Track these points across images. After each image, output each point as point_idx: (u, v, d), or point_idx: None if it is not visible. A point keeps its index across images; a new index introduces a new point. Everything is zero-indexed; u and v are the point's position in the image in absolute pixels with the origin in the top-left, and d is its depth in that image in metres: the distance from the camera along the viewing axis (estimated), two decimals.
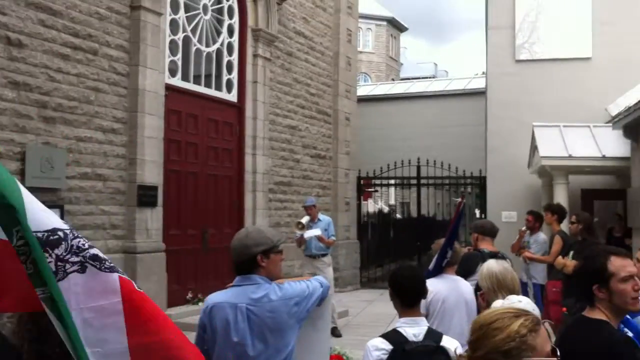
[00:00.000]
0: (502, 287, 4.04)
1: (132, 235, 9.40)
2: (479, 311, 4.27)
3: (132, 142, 9.47)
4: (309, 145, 14.42)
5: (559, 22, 14.80)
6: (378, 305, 12.42)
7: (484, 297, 4.14)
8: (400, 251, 19.88)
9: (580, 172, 12.44)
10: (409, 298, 3.54)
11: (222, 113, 11.86)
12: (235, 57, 12.24)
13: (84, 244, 2.11)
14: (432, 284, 4.66)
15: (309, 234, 9.82)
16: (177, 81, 10.80)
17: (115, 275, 2.14)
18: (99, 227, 9.00)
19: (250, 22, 12.46)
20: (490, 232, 6.18)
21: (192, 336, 3.43)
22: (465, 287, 4.91)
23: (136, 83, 9.54)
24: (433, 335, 3.45)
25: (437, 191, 18.05)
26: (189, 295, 10.63)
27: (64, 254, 2.05)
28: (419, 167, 16.64)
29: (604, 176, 13.42)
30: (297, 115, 13.99)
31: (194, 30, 11.25)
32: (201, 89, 11.42)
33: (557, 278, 7.90)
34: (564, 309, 7.01)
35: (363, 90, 24.31)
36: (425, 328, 3.47)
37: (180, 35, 10.91)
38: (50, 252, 2.01)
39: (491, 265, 4.19)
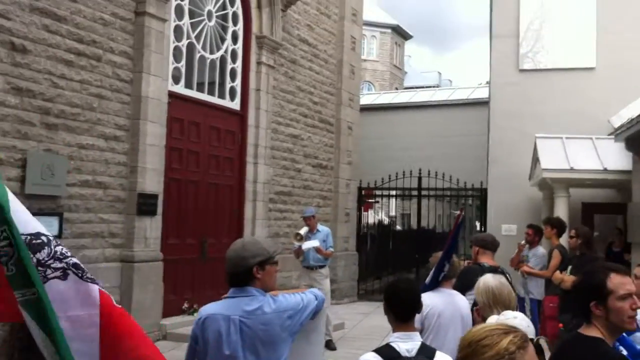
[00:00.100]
0: (497, 303, 4.03)
1: (130, 244, 9.39)
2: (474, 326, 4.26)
3: (134, 150, 9.48)
4: (311, 155, 14.41)
5: (563, 31, 14.79)
6: (374, 318, 12.33)
7: (479, 312, 4.13)
8: (399, 263, 19.76)
9: (582, 185, 12.40)
10: (403, 313, 3.53)
11: (225, 121, 11.87)
12: (239, 64, 12.26)
13: (66, 252, 2.11)
14: (428, 297, 4.65)
15: (307, 245, 9.77)
16: (180, 88, 10.81)
17: (96, 287, 2.13)
18: (98, 235, 9.00)
19: (254, 29, 12.48)
20: (492, 246, 6.15)
21: (185, 347, 3.44)
22: (461, 302, 4.90)
23: (139, 90, 9.56)
24: (426, 351, 3.44)
25: (437, 203, 17.99)
26: (185, 305, 10.59)
27: (46, 258, 2.03)
28: (420, 178, 16.58)
29: (605, 190, 13.37)
30: (300, 124, 13.99)
31: (198, 37, 11.28)
32: (204, 96, 11.43)
33: (554, 293, 7.87)
34: (561, 324, 7.00)
35: (366, 99, 24.29)
36: (419, 343, 3.46)
37: (184, 42, 10.93)
38: (32, 255, 2.00)
39: (488, 280, 4.19)
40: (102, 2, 9.08)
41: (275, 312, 3.22)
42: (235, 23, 12.22)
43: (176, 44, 10.71)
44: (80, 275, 2.10)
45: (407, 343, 3.42)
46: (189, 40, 11.05)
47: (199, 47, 11.29)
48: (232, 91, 12.15)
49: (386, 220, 23.24)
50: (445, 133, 21.24)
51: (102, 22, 9.07)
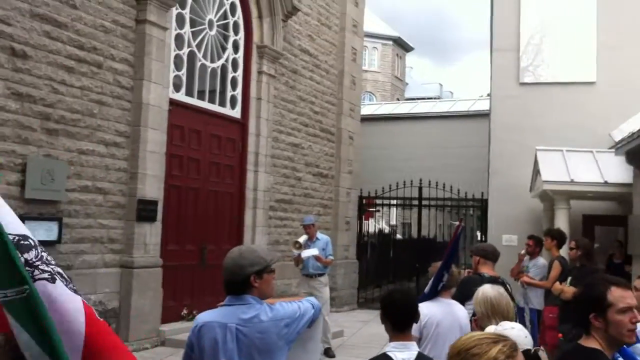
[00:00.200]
0: (496, 313, 4.01)
1: (129, 250, 9.38)
2: None
3: (134, 156, 9.48)
4: (311, 164, 14.41)
5: (564, 45, 14.81)
6: (374, 326, 12.23)
7: (477, 322, 4.11)
8: (399, 272, 19.76)
9: (582, 198, 12.39)
10: (399, 322, 3.51)
11: (225, 129, 11.87)
12: (239, 73, 12.28)
13: (51, 259, 2.08)
14: (426, 307, 4.64)
15: (306, 253, 9.75)
16: (181, 96, 10.82)
17: (80, 299, 2.10)
18: (97, 240, 8.98)
19: (255, 38, 12.52)
20: (492, 256, 6.13)
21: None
22: (460, 312, 4.88)
23: (140, 97, 9.56)
24: None
25: (438, 213, 17.98)
26: (184, 311, 10.57)
27: (34, 259, 2.01)
28: (420, 188, 16.58)
29: (605, 202, 13.37)
30: (301, 133, 14.00)
31: (199, 46, 11.30)
32: (205, 104, 11.44)
33: (554, 304, 7.85)
34: (560, 335, 6.98)
35: (367, 109, 24.35)
36: (416, 353, 3.44)
37: (185, 50, 10.95)
38: (20, 255, 1.97)
39: (486, 290, 4.16)
40: (103, 9, 9.09)
41: (272, 320, 3.19)
42: (236, 32, 12.25)
43: (177, 52, 10.73)
44: (65, 283, 2.07)
45: (403, 352, 3.40)
46: (189, 49, 11.07)
47: (199, 55, 11.31)
48: (233, 99, 12.17)
49: (387, 229, 23.22)
50: (446, 144, 21.27)
51: (103, 30, 9.09)
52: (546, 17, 15.02)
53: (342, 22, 15.83)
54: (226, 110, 11.97)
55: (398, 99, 47.88)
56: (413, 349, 3.46)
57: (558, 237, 8.74)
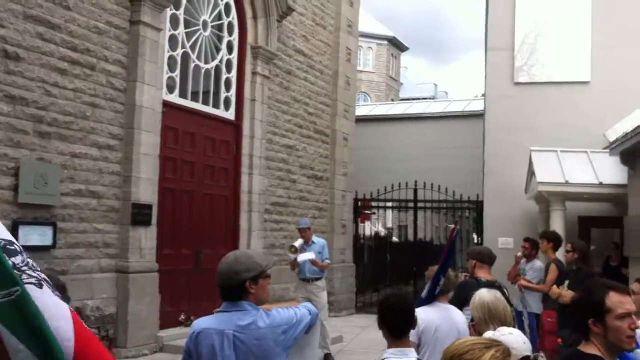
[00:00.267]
0: (493, 318, 3.97)
1: (125, 255, 9.30)
2: None
3: (128, 159, 9.41)
4: (306, 166, 14.35)
5: (558, 45, 14.82)
6: (372, 331, 12.10)
7: (475, 327, 4.07)
8: (396, 275, 19.67)
9: (578, 199, 12.39)
10: (397, 328, 3.47)
11: (219, 131, 11.81)
12: (234, 74, 12.23)
13: (37, 266, 2.05)
14: (424, 312, 4.61)
15: (302, 257, 9.64)
16: (174, 98, 10.76)
17: (66, 306, 2.06)
18: (92, 245, 8.91)
19: (249, 39, 12.47)
20: (488, 259, 6.07)
21: None
22: (458, 317, 4.84)
23: (133, 99, 9.50)
24: None
25: (434, 214, 17.96)
26: (182, 317, 10.49)
27: (21, 264, 1.98)
28: (415, 190, 16.52)
29: (601, 203, 13.36)
30: (295, 135, 13.94)
31: (193, 47, 11.25)
32: (199, 106, 11.38)
33: (552, 308, 7.81)
34: (560, 340, 6.94)
35: (362, 110, 24.31)
36: (414, 359, 3.40)
37: (179, 51, 10.90)
38: (8, 259, 1.94)
39: (483, 294, 4.13)
40: (96, 10, 9.04)
41: (269, 326, 3.17)
42: (230, 33, 12.20)
43: (171, 53, 10.68)
44: (52, 290, 2.04)
45: (401, 359, 3.37)
46: (183, 50, 11.02)
47: (193, 56, 11.26)
48: (227, 101, 12.11)
49: (383, 232, 23.18)
50: (441, 145, 21.24)
51: (96, 31, 9.03)
52: (541, 17, 15.03)
53: (336, 22, 15.80)
54: (220, 112, 11.92)
55: (393, 99, 47.90)
56: (411, 355, 3.43)
57: (554, 240, 8.71)
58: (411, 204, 16.96)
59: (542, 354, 7.76)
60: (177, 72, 10.85)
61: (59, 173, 8.37)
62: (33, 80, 8.13)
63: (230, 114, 12.12)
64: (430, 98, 46.37)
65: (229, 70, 12.15)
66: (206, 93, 11.68)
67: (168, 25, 10.52)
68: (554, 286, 7.73)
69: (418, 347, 4.45)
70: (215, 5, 11.83)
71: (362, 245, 18.24)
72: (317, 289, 9.86)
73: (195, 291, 10.79)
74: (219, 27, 11.97)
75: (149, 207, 9.66)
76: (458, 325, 4.75)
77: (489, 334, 3.62)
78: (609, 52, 14.25)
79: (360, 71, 41.47)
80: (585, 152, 12.63)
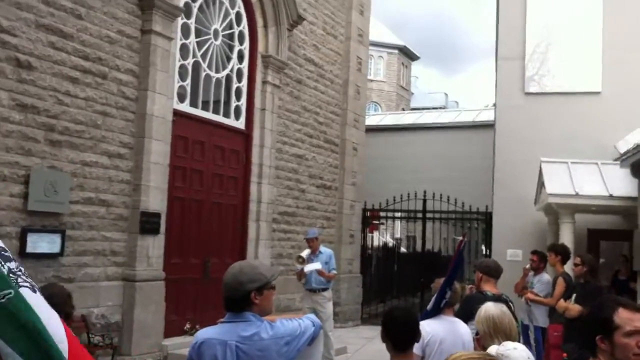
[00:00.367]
0: (498, 331, 3.96)
1: (132, 263, 9.32)
2: None
3: (138, 168, 9.45)
4: (315, 175, 14.36)
5: (570, 55, 14.78)
6: (377, 342, 11.95)
7: (479, 341, 4.07)
8: (403, 286, 19.56)
9: (587, 211, 12.32)
10: (400, 341, 3.48)
11: (229, 140, 11.85)
12: (244, 83, 12.27)
13: (28, 275, 2.07)
14: (429, 325, 4.61)
15: (309, 267, 9.66)
16: (185, 107, 10.80)
17: (56, 314, 2.08)
18: (100, 253, 8.94)
19: (260, 48, 12.51)
20: (495, 272, 6.05)
21: None
22: (463, 329, 4.83)
23: (144, 108, 9.54)
24: None
25: (443, 225, 17.90)
26: (187, 326, 10.49)
27: (15, 269, 2.00)
28: (424, 201, 16.48)
29: (610, 216, 13.28)
30: (305, 144, 13.96)
31: (204, 56, 11.30)
32: (209, 115, 11.42)
33: (558, 321, 7.76)
34: (565, 354, 6.91)
35: (372, 119, 24.32)
36: None
37: (190, 61, 10.95)
38: (3, 263, 1.96)
39: (489, 308, 4.12)
40: (108, 19, 9.10)
41: (273, 338, 3.18)
42: (241, 42, 12.25)
43: (182, 62, 10.73)
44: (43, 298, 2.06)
45: None
46: (194, 59, 11.07)
47: (204, 65, 11.31)
48: (237, 110, 12.15)
49: (391, 242, 23.11)
50: (451, 155, 21.20)
51: (108, 40, 9.09)
52: (552, 27, 15.00)
53: (347, 31, 15.81)
54: (230, 121, 11.95)
55: (403, 109, 47.90)
56: None
57: (562, 253, 8.67)
58: (420, 215, 16.92)
59: None
60: (188, 81, 10.89)
61: (69, 181, 8.41)
62: (45, 89, 8.18)
63: (240, 123, 12.15)
64: (441, 108, 46.38)
65: (239, 79, 12.19)
66: (217, 102, 11.71)
67: (179, 34, 10.57)
68: (561, 300, 7.68)
69: None
70: (227, 14, 11.89)
71: (369, 255, 18.17)
72: (323, 300, 9.86)
73: (202, 300, 10.79)
74: (230, 36, 12.03)
75: (157, 215, 9.68)
76: (463, 338, 4.74)
77: (493, 348, 3.61)
78: (621, 63, 14.20)
79: (371, 80, 41.49)
80: (596, 163, 12.57)
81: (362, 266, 16.54)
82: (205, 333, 3.26)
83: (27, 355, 1.92)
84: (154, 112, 9.63)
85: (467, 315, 5.08)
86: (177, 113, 10.39)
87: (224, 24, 11.82)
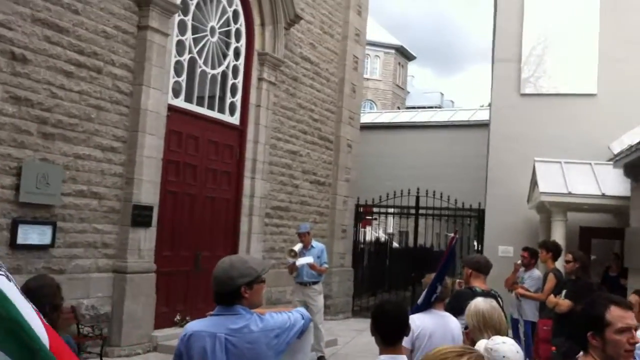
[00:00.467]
0: (488, 326, 3.98)
1: (123, 255, 9.35)
2: None
3: (131, 162, 9.46)
4: (309, 171, 14.39)
5: (566, 57, 14.84)
6: (368, 335, 11.97)
7: (469, 335, 4.09)
8: (395, 281, 19.67)
9: (580, 210, 12.39)
10: (389, 335, 3.49)
11: (223, 135, 11.86)
12: (240, 80, 12.28)
13: (2, 264, 2.04)
14: (419, 319, 4.64)
15: (301, 261, 9.72)
16: (180, 102, 10.82)
17: (30, 305, 2.06)
18: (91, 245, 8.96)
19: (257, 45, 12.53)
20: (485, 269, 6.05)
21: None
22: (453, 324, 4.86)
23: (139, 102, 9.56)
24: None
25: (435, 222, 17.97)
26: (177, 317, 10.53)
27: None
28: (417, 198, 16.52)
29: (602, 214, 13.35)
30: (299, 141, 13.99)
31: (200, 52, 11.31)
32: (204, 110, 11.43)
33: (548, 316, 7.81)
34: (554, 347, 6.95)
35: (367, 117, 24.35)
36: None
37: (186, 57, 10.95)
38: None
39: (479, 303, 4.15)
40: (105, 15, 9.11)
41: (262, 330, 3.18)
42: (238, 40, 12.26)
43: (178, 58, 10.73)
44: (18, 289, 2.03)
45: None
46: (190, 55, 11.08)
47: (200, 62, 11.31)
48: (232, 106, 12.16)
49: (383, 238, 23.18)
50: (445, 154, 21.26)
51: (104, 35, 9.10)
52: (548, 29, 15.06)
53: (344, 30, 15.85)
54: (225, 117, 11.96)
55: (399, 108, 47.95)
56: None
57: (553, 250, 8.71)
58: (413, 211, 16.98)
59: None
60: (184, 76, 10.91)
61: (61, 174, 8.42)
62: (39, 82, 8.19)
63: (235, 119, 12.17)
64: (436, 107, 46.42)
65: (235, 76, 12.21)
66: (212, 98, 11.73)
67: (176, 30, 10.58)
68: (551, 295, 7.73)
69: (411, 353, 4.48)
70: (224, 12, 11.90)
71: (362, 250, 18.26)
72: (314, 293, 9.92)
73: (192, 292, 10.84)
74: (227, 34, 12.03)
75: (149, 208, 9.70)
76: (453, 332, 4.76)
77: (482, 343, 3.63)
78: (616, 65, 14.26)
79: (367, 79, 41.56)
80: (589, 164, 12.64)
81: (354, 260, 16.63)
82: (194, 325, 3.25)
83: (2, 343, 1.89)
84: (148, 106, 9.65)
85: (456, 312, 5.11)
86: (171, 108, 10.40)
87: (221, 22, 11.83)
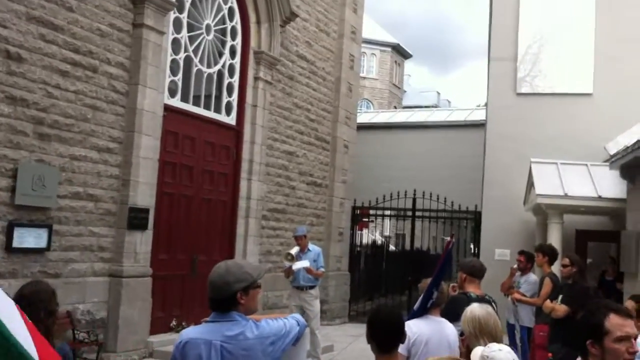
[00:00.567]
0: (484, 332, 3.97)
1: (119, 259, 9.25)
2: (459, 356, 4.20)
3: (127, 163, 9.38)
4: (306, 173, 14.33)
5: (561, 56, 14.86)
6: (364, 341, 11.88)
7: (464, 341, 4.07)
8: (391, 285, 19.60)
9: (576, 212, 12.38)
10: (385, 342, 3.48)
11: (220, 136, 11.79)
12: (236, 79, 12.23)
13: None
14: (415, 325, 4.61)
15: (297, 265, 9.66)
16: (176, 102, 10.75)
17: (11, 301, 2.04)
18: (87, 248, 8.87)
19: (252, 44, 12.47)
20: (479, 273, 6.03)
21: None
22: (449, 330, 4.83)
23: (135, 102, 9.48)
24: None
25: (432, 224, 17.93)
26: (173, 322, 10.44)
27: None
28: (414, 200, 16.49)
29: (598, 217, 13.35)
30: (296, 141, 13.93)
31: (195, 51, 11.25)
32: (200, 110, 11.37)
33: (544, 322, 7.77)
34: (550, 354, 6.93)
35: (363, 117, 24.31)
36: None
37: (181, 55, 10.89)
38: None
39: (474, 309, 4.13)
40: (100, 12, 9.04)
41: (258, 337, 3.16)
42: (233, 38, 12.21)
43: (173, 57, 10.68)
44: None
45: None
46: (186, 54, 11.01)
47: (196, 60, 11.26)
48: (229, 106, 12.10)
49: (380, 240, 23.14)
50: (442, 154, 21.25)
51: (99, 33, 9.03)
52: (544, 28, 15.06)
53: (340, 28, 15.79)
54: (221, 117, 11.90)
55: (395, 107, 47.94)
56: None
57: (550, 254, 8.67)
58: (409, 214, 16.94)
59: None
60: (180, 76, 10.84)
61: (57, 175, 8.34)
62: (34, 82, 8.11)
63: (231, 119, 12.11)
64: (432, 106, 46.41)
65: (231, 75, 12.15)
66: (208, 97, 11.67)
67: (171, 28, 10.51)
68: (547, 300, 7.69)
69: (407, 359, 4.46)
70: (219, 9, 11.84)
71: (358, 253, 18.18)
72: (310, 297, 9.87)
73: (189, 297, 10.74)
74: (222, 32, 11.98)
75: (146, 211, 9.61)
76: (449, 338, 4.74)
77: (479, 349, 3.62)
78: (612, 65, 14.27)
79: (364, 78, 41.49)
80: (585, 165, 12.63)
81: (351, 264, 16.53)
82: (189, 333, 3.23)
83: None
84: (144, 106, 9.58)
85: (451, 318, 5.08)
86: (167, 108, 10.33)
87: (217, 19, 11.76)
